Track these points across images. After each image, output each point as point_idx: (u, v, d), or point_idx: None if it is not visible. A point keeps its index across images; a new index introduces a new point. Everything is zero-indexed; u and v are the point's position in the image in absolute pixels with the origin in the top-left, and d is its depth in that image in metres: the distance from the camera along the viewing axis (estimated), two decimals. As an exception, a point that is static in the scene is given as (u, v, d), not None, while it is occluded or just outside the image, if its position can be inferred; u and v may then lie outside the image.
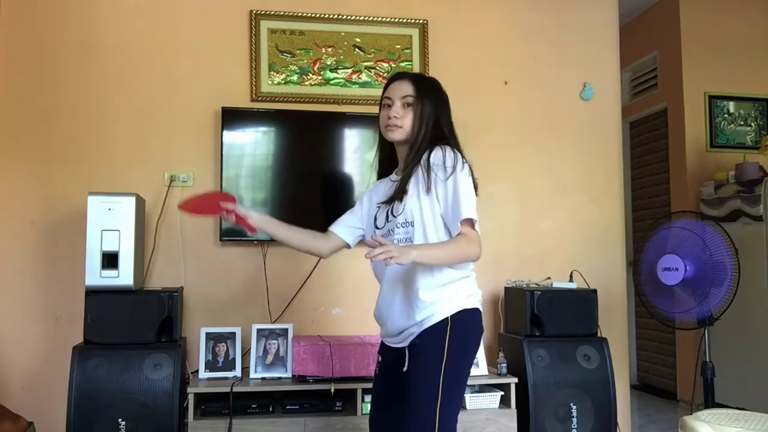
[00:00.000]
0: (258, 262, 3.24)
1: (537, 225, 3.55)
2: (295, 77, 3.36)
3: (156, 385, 2.64)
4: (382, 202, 2.04)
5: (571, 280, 3.33)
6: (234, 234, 3.15)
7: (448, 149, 1.92)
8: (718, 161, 4.44)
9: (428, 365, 1.86)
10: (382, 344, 2.07)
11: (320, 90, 3.38)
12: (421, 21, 3.48)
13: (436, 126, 1.99)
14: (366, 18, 3.43)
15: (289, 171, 3.26)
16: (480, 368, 3.05)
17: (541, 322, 3.05)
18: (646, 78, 5.04)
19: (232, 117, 3.19)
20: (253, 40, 3.32)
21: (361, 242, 2.18)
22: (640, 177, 5.23)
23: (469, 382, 2.94)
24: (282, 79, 3.35)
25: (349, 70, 3.42)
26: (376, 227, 2.06)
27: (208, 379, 2.91)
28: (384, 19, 3.45)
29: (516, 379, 2.97)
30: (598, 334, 3.12)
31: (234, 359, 2.97)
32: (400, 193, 1.95)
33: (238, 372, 2.95)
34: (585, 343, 3.05)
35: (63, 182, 3.12)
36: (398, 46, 3.46)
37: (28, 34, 3.16)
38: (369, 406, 2.27)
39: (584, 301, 3.11)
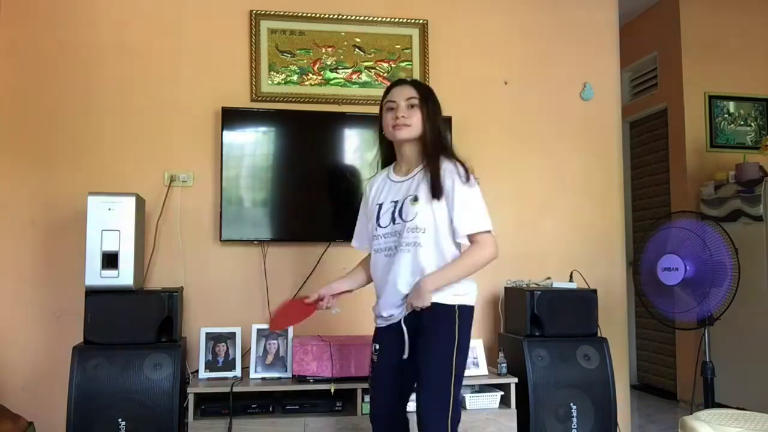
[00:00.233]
0: (258, 262, 3.24)
1: (537, 225, 3.55)
2: (295, 77, 3.36)
3: (156, 385, 2.64)
4: (391, 202, 2.11)
5: (571, 280, 3.33)
6: (234, 234, 3.15)
7: (457, 162, 2.04)
8: (718, 161, 4.43)
9: (441, 344, 1.98)
10: (376, 331, 2.16)
11: (320, 90, 3.38)
12: (421, 21, 3.48)
13: (438, 129, 2.10)
14: (366, 18, 3.43)
15: (289, 171, 3.26)
16: (480, 368, 3.05)
17: (541, 322, 3.05)
18: (646, 78, 5.04)
19: (232, 117, 3.19)
20: (253, 40, 3.32)
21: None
22: (640, 177, 5.23)
23: (469, 382, 2.98)
24: (282, 79, 3.35)
25: (349, 70, 3.42)
26: (379, 226, 2.10)
27: (208, 379, 2.91)
28: (384, 19, 3.45)
29: (516, 379, 2.97)
30: (598, 334, 3.12)
31: (234, 359, 2.97)
32: (411, 198, 2.05)
33: (238, 372, 2.95)
34: (585, 343, 3.05)
35: (63, 182, 3.12)
36: (398, 46, 3.46)
37: (28, 34, 3.16)
38: (369, 405, 2.28)
39: (584, 301, 3.11)
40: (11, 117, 3.13)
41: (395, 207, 2.08)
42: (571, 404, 2.95)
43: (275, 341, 2.98)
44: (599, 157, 3.66)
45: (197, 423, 2.72)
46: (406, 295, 2.02)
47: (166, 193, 3.19)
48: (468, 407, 2.92)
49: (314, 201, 3.29)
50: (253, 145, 3.24)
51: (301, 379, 2.85)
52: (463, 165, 2.03)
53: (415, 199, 2.02)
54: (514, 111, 3.58)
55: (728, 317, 3.08)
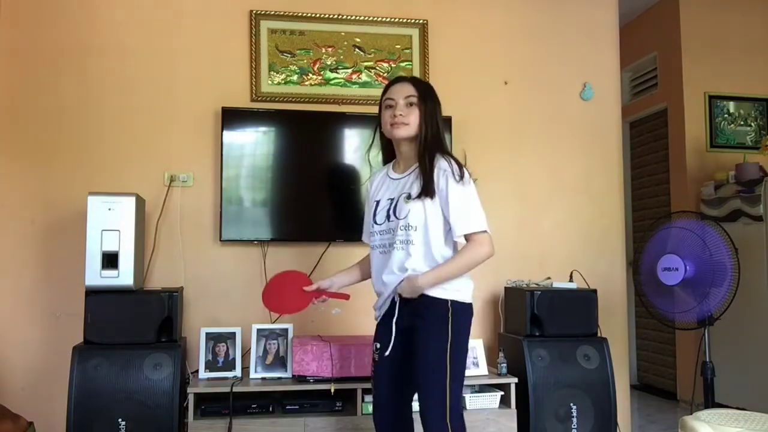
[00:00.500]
0: (258, 262, 3.24)
1: (537, 225, 3.55)
2: (295, 77, 3.36)
3: (156, 385, 2.64)
4: (388, 199, 2.11)
5: (571, 280, 3.33)
6: (234, 234, 3.15)
7: (452, 160, 2.03)
8: (718, 161, 4.44)
9: (433, 340, 1.98)
10: (377, 329, 2.15)
11: (320, 90, 3.38)
12: (421, 21, 3.48)
13: (437, 127, 2.09)
14: (366, 18, 3.43)
15: (289, 171, 3.26)
16: (480, 368, 3.05)
17: (541, 322, 3.05)
18: (646, 78, 5.04)
19: (232, 117, 3.19)
20: (253, 40, 3.32)
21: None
22: (640, 177, 5.23)
23: (469, 382, 2.97)
24: (282, 79, 3.35)
25: (349, 70, 3.42)
26: (375, 222, 2.12)
27: (208, 379, 2.91)
28: (384, 19, 3.45)
29: (516, 379, 2.97)
30: (598, 334, 3.12)
31: (234, 359, 2.96)
32: (404, 196, 2.06)
33: (238, 372, 2.94)
34: (585, 343, 3.05)
35: (63, 182, 3.12)
36: (398, 46, 3.46)
37: (28, 34, 3.16)
38: (369, 405, 2.28)
39: (584, 301, 3.11)
40: (11, 117, 3.13)
41: (391, 204, 2.08)
42: (571, 404, 2.95)
43: (275, 341, 2.98)
44: (599, 157, 3.66)
45: (197, 423, 2.72)
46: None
47: (166, 193, 3.19)
48: (468, 407, 2.92)
49: (314, 201, 3.29)
50: (253, 145, 3.24)
51: (301, 379, 2.85)
52: (458, 163, 2.03)
53: (409, 196, 2.03)
54: (514, 111, 3.58)
55: (728, 317, 3.08)
